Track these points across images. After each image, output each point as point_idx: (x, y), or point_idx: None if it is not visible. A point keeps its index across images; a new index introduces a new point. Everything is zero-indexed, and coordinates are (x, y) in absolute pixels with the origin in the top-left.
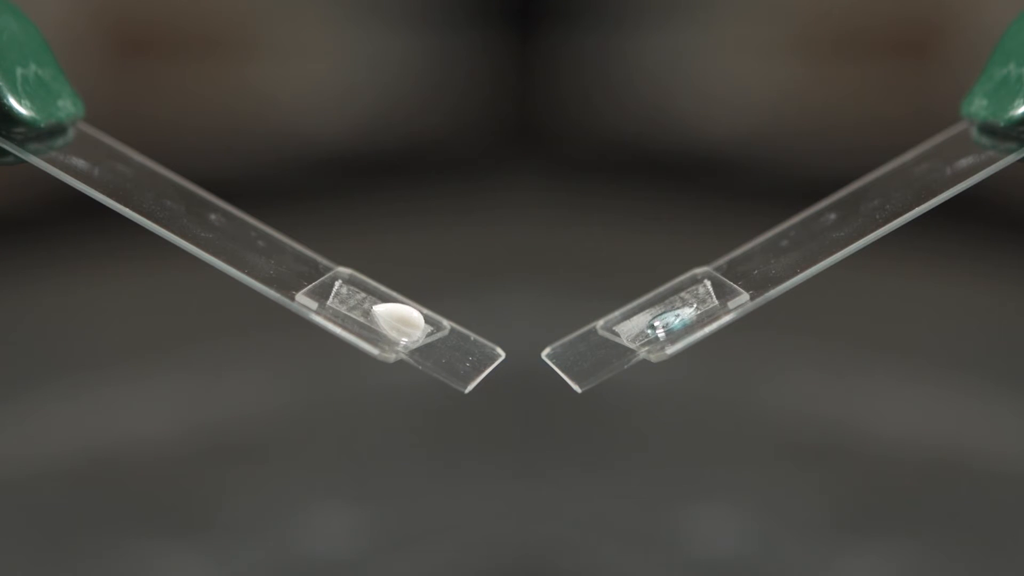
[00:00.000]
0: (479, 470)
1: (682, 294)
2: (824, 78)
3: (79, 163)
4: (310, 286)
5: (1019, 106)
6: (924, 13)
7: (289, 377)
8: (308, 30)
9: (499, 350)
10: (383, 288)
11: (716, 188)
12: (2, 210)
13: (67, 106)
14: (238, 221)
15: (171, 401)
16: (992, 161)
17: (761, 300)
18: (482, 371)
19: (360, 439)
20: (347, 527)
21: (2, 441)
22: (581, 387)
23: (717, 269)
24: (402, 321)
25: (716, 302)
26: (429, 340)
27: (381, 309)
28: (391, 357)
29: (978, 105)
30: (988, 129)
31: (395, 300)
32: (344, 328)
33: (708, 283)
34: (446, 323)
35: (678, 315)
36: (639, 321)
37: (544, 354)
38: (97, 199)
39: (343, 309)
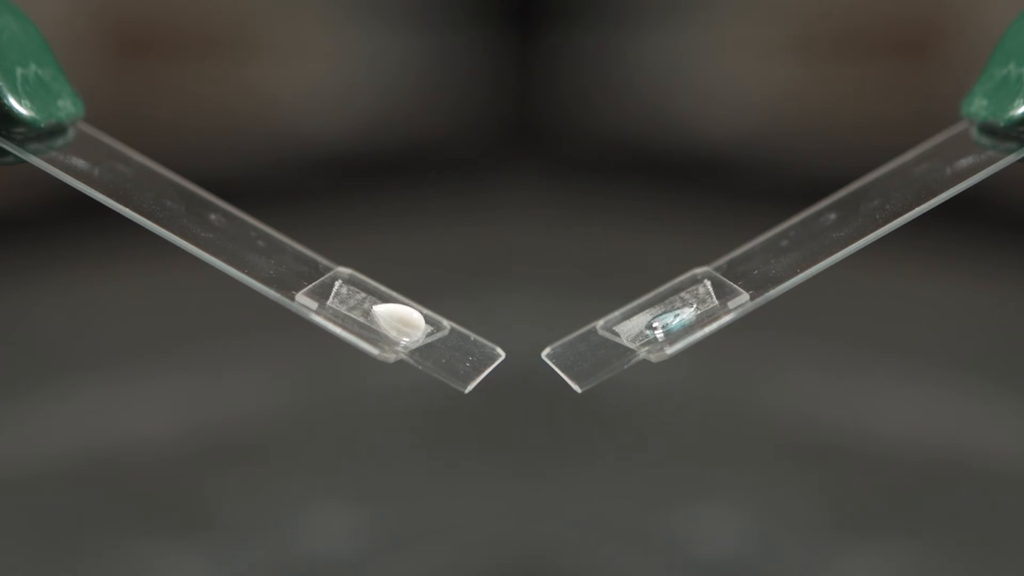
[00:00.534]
0: (479, 470)
1: (682, 294)
2: (824, 78)
3: (79, 163)
4: (310, 286)
5: (1019, 106)
6: (924, 13)
7: (289, 377)
8: (308, 30)
9: (499, 350)
10: (383, 288)
11: (716, 188)
12: (2, 210)
13: (67, 106)
14: (238, 221)
15: (171, 401)
16: (992, 161)
17: (761, 300)
18: (482, 371)
19: (360, 439)
20: (347, 527)
21: (2, 441)
22: (581, 387)
23: (717, 269)
24: (402, 321)
25: (716, 302)
26: (429, 340)
27: (381, 309)
28: (391, 357)
29: (978, 105)
30: (988, 129)
31: (395, 300)
32: (344, 328)
33: (708, 283)
34: (446, 323)
35: (677, 315)
36: (639, 321)
37: (544, 354)
38: (97, 199)
39: (343, 309)
